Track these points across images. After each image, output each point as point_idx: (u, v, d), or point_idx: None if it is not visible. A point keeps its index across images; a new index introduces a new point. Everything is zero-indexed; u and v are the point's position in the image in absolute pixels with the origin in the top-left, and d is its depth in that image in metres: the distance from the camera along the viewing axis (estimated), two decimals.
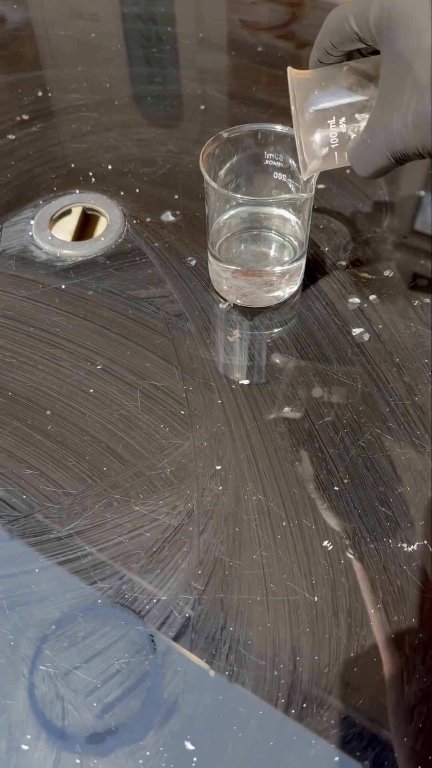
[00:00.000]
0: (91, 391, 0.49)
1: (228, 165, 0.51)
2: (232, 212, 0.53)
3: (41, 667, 0.38)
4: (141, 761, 0.35)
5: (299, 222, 0.52)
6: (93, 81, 0.77)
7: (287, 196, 0.52)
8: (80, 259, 0.57)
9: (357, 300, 0.54)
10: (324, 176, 0.63)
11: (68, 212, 0.62)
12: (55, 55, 0.82)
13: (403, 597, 0.40)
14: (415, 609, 0.39)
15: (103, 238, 0.58)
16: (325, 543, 0.42)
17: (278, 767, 0.35)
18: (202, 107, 0.74)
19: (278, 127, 0.50)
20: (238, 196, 0.50)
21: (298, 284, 0.54)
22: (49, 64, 0.81)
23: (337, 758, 0.35)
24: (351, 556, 0.41)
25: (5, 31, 0.85)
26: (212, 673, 0.37)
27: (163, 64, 0.81)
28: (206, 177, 0.47)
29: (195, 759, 0.35)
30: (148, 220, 0.61)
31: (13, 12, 0.88)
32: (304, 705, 0.37)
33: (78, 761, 0.35)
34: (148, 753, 0.35)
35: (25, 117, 0.71)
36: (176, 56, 0.82)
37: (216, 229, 0.53)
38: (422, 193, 0.63)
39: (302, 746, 0.35)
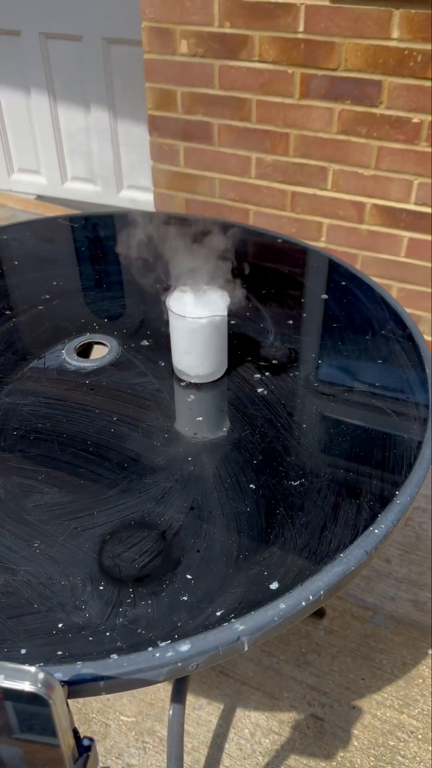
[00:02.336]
0: (112, 430, 0.86)
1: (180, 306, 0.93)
2: None
3: (104, 554, 0.71)
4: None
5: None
6: (86, 274, 1.22)
7: (209, 315, 0.93)
8: (95, 367, 0.97)
9: (258, 375, 0.95)
10: (233, 316, 1.07)
11: (83, 345, 1.02)
12: (62, 260, 1.27)
13: (292, 501, 0.75)
14: (297, 506, 0.75)
15: (108, 356, 0.98)
16: (251, 485, 0.78)
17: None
18: (158, 286, 1.18)
19: (206, 287, 0.93)
20: (186, 316, 0.91)
21: (225, 369, 0.95)
22: (59, 266, 1.26)
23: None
24: (265, 493, 0.77)
25: (30, 248, 1.31)
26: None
27: (125, 257, 1.27)
28: (169, 307, 0.89)
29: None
30: (132, 345, 1.01)
31: (28, 239, 1.35)
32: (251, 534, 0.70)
33: (131, 591, 0.67)
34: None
35: (48, 296, 1.14)
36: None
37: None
38: (290, 321, 1.07)
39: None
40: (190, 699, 1.30)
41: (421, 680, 1.33)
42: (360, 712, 1.28)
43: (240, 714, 1.28)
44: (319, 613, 1.42)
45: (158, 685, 1.31)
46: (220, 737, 1.25)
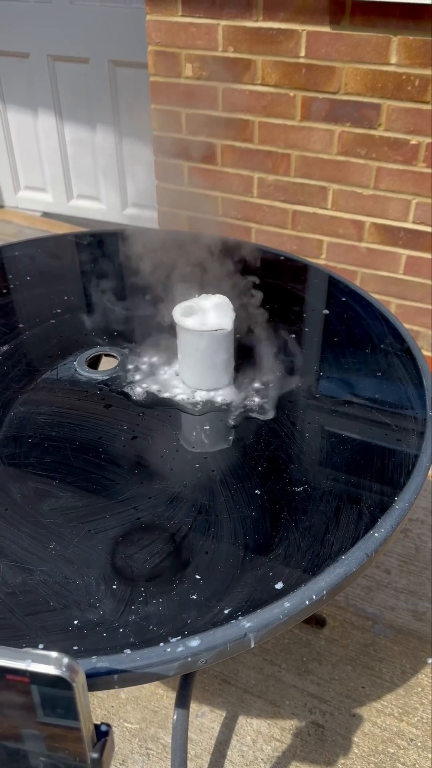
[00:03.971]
0: (122, 438, 0.89)
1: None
2: None
3: (117, 555, 0.74)
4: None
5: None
6: (95, 289, 1.26)
7: (216, 328, 0.97)
8: (106, 378, 1.00)
9: (262, 387, 0.98)
10: (238, 329, 1.11)
11: (93, 357, 1.05)
12: (71, 276, 1.32)
13: (295, 506, 0.79)
14: (300, 511, 0.78)
15: (117, 367, 1.02)
16: (257, 491, 0.81)
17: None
18: (165, 300, 1.22)
19: (213, 300, 0.97)
20: (193, 329, 0.95)
21: (231, 380, 0.99)
22: (69, 281, 1.30)
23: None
24: (270, 498, 0.81)
25: (40, 264, 1.35)
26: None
27: (133, 273, 1.31)
28: (176, 319, 0.93)
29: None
30: (141, 356, 1.05)
31: (38, 255, 1.40)
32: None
33: (142, 590, 0.70)
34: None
35: (59, 310, 1.18)
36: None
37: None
38: (293, 335, 1.11)
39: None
40: (193, 706, 1.32)
41: (420, 689, 1.35)
42: (360, 719, 1.30)
43: (242, 721, 1.30)
44: (320, 623, 1.45)
45: (162, 692, 1.33)
46: (223, 744, 1.27)
